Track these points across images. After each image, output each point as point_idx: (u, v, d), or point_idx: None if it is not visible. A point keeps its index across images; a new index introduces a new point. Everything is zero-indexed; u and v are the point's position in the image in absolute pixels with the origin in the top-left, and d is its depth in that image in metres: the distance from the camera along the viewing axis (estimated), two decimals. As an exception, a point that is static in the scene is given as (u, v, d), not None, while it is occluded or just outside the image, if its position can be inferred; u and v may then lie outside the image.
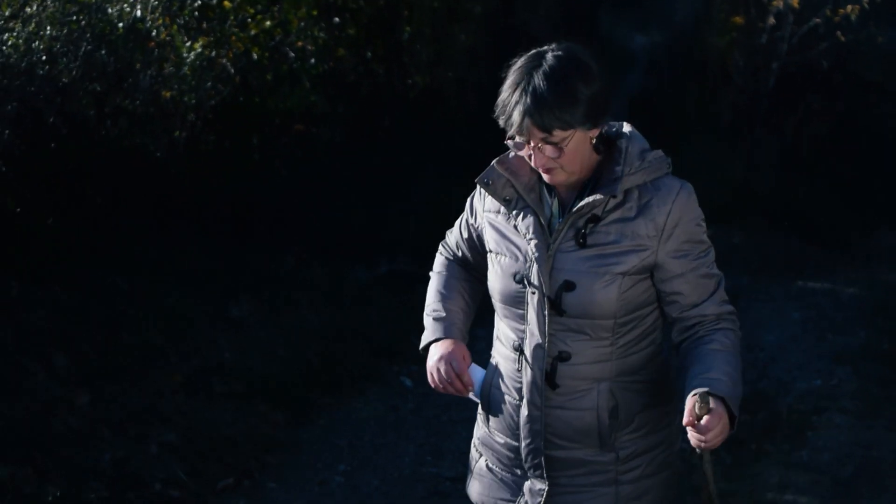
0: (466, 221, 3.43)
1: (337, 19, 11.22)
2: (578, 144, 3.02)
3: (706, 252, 3.16)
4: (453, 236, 3.52)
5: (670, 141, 13.44)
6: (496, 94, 3.05)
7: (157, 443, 5.98)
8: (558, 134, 2.97)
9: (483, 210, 3.31)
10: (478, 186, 3.29)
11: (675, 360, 3.19)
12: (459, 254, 3.49)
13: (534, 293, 3.10)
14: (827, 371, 8.18)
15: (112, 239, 8.01)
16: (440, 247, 3.57)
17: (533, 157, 3.04)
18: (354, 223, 9.92)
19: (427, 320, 3.40)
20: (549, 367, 3.13)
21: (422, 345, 3.37)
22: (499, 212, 3.24)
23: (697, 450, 2.98)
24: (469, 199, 3.41)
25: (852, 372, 8.10)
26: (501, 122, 3.04)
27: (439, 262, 3.53)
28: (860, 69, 15.70)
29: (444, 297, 3.40)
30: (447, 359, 3.24)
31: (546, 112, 2.95)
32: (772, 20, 15.88)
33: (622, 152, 3.09)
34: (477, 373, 3.33)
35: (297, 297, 8.23)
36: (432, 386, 3.27)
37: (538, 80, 2.96)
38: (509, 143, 3.08)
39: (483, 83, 14.84)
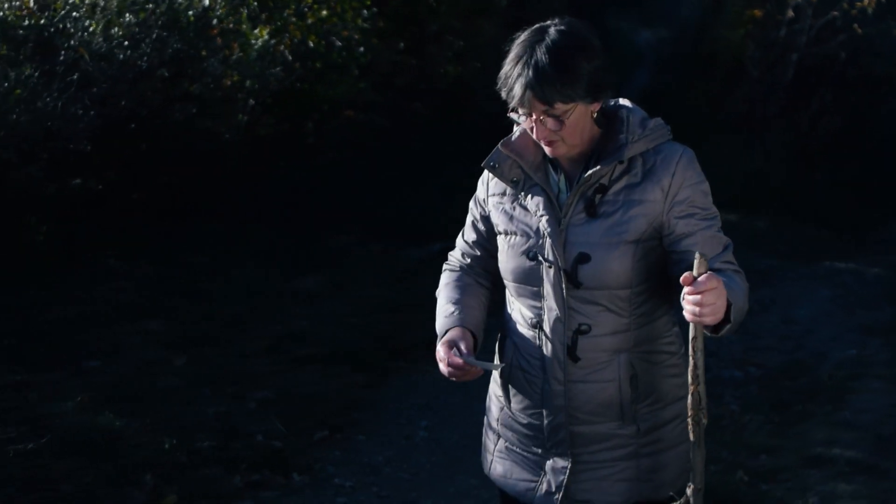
0: (473, 218, 3.39)
1: (365, 12, 11.61)
2: (579, 118, 3.03)
3: (713, 216, 3.11)
4: (458, 248, 3.46)
5: (683, 135, 13.96)
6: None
7: (254, 400, 6.45)
8: (559, 107, 2.97)
9: (488, 195, 3.28)
10: (481, 177, 3.31)
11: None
12: (468, 261, 3.42)
13: (550, 267, 3.10)
14: (860, 342, 8.65)
15: (184, 217, 8.49)
16: (444, 266, 3.50)
17: (535, 130, 3.04)
18: (402, 205, 10.39)
19: (438, 325, 3.30)
20: (570, 341, 3.12)
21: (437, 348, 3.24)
22: (504, 193, 3.23)
23: (692, 328, 2.87)
24: (472, 200, 3.38)
25: (884, 343, 8.57)
26: (503, 95, 3.04)
27: (443, 278, 3.44)
28: (872, 63, 16.02)
29: (454, 300, 3.31)
30: (440, 351, 3.17)
31: (547, 85, 2.94)
32: (790, 13, 16.22)
33: (624, 121, 3.10)
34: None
35: (358, 272, 8.72)
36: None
37: (540, 53, 2.95)
38: (512, 115, 3.07)
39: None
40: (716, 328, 2.86)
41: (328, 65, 10.56)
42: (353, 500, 5.72)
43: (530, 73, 2.93)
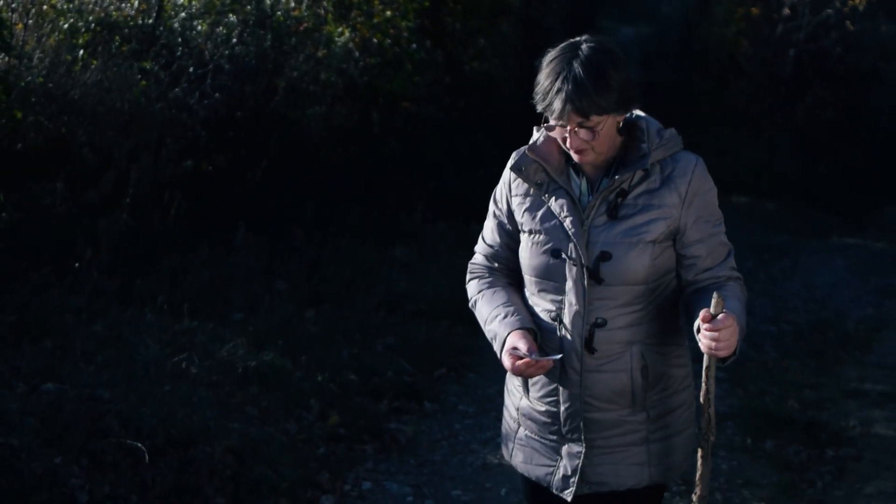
0: (497, 221, 3.48)
1: (388, 13, 12.58)
2: (609, 128, 3.20)
3: (719, 222, 3.33)
4: (480, 253, 3.56)
5: (687, 128, 14.99)
6: (529, 79, 3.27)
7: (379, 345, 7.58)
8: (594, 119, 3.13)
9: (511, 195, 3.39)
10: (502, 178, 3.43)
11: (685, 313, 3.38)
12: (494, 264, 3.53)
13: (574, 265, 3.24)
14: (876, 303, 9.86)
15: (285, 195, 9.62)
16: (468, 274, 3.60)
17: (568, 140, 3.20)
18: (456, 187, 11.53)
19: (490, 330, 3.40)
20: (588, 333, 3.27)
21: (498, 353, 3.36)
22: (527, 194, 3.35)
23: (706, 357, 3.14)
24: (492, 203, 3.49)
25: (897, 303, 9.82)
26: (540, 108, 3.19)
27: (474, 286, 3.54)
28: (860, 58, 17.08)
29: (501, 303, 3.40)
30: (506, 362, 3.30)
31: (585, 99, 3.10)
32: (787, 11, 17.26)
33: (644, 131, 3.26)
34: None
35: (436, 245, 9.91)
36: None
37: (577, 68, 3.11)
38: (544, 127, 3.26)
39: (520, 70, 16.42)
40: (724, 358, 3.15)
41: (385, 61, 11.60)
42: (477, 422, 6.87)
43: (570, 87, 3.11)
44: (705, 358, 3.14)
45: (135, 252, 7.88)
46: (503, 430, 3.66)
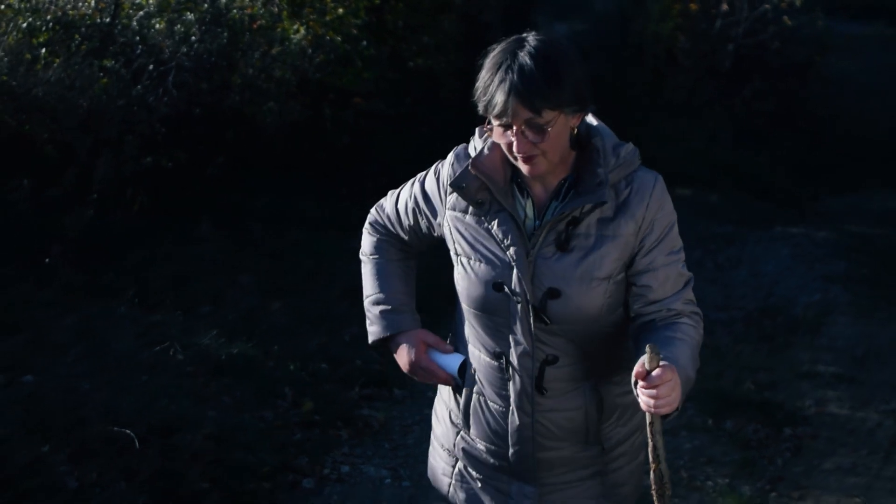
0: (417, 210, 3.17)
1: (340, 10, 12.66)
2: (561, 130, 2.82)
3: (678, 250, 2.99)
4: (390, 215, 3.26)
5: (626, 119, 15.18)
6: (471, 74, 2.92)
7: (347, 334, 7.70)
8: (546, 115, 2.76)
9: (447, 208, 3.06)
10: (440, 176, 3.11)
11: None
12: (395, 231, 3.28)
13: (518, 302, 2.90)
14: (822, 289, 10.10)
15: (244, 189, 9.73)
16: (369, 226, 3.35)
17: (515, 143, 2.81)
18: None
19: (374, 311, 3.26)
20: (538, 373, 2.97)
21: (373, 339, 3.30)
22: (466, 211, 3.01)
23: (648, 415, 2.76)
24: (419, 190, 3.17)
25: (843, 289, 10.04)
26: (482, 106, 2.83)
27: (370, 243, 3.32)
28: (796, 52, 17.45)
29: (386, 285, 3.27)
30: (418, 362, 3.24)
31: (534, 90, 2.73)
32: (725, 6, 17.59)
33: (600, 152, 2.90)
34: (442, 359, 3.27)
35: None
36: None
37: (524, 58, 2.75)
38: (488, 128, 2.89)
39: (462, 65, 16.59)
40: None
41: (337, 57, 11.70)
42: (445, 407, 7.02)
43: (515, 77, 2.74)
44: (647, 415, 2.78)
45: (100, 247, 7.95)
46: (431, 462, 3.40)
